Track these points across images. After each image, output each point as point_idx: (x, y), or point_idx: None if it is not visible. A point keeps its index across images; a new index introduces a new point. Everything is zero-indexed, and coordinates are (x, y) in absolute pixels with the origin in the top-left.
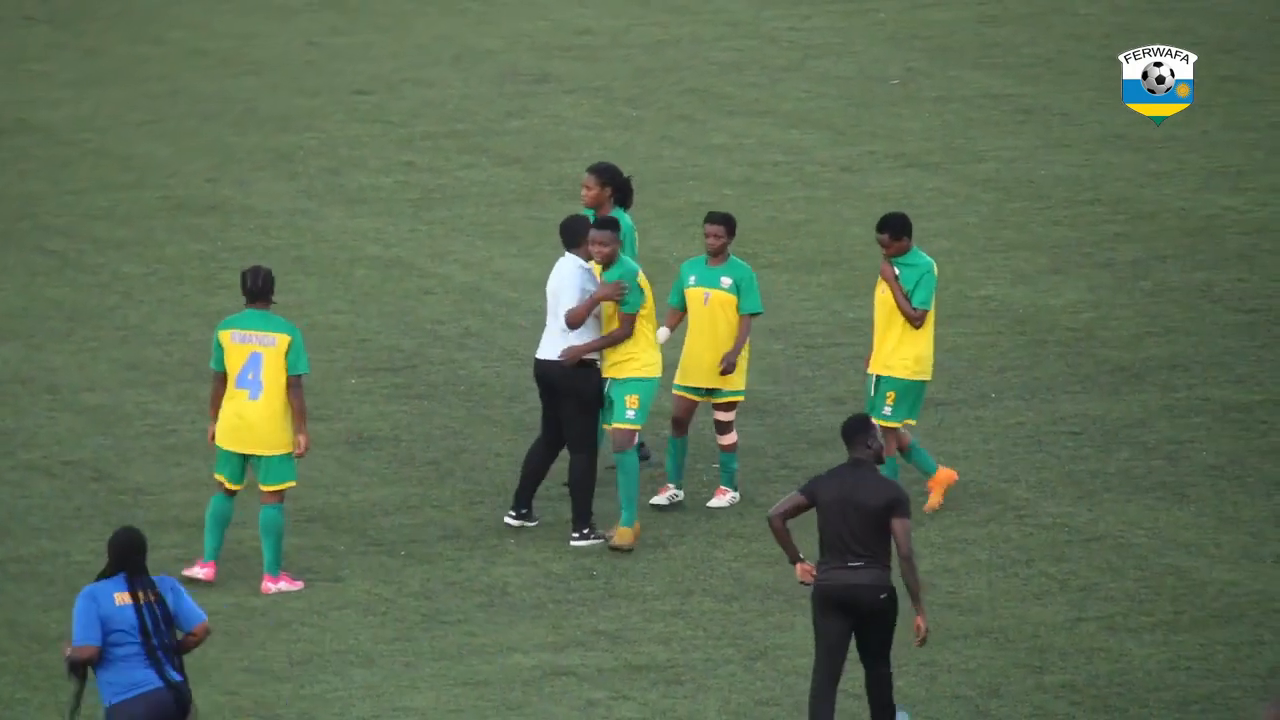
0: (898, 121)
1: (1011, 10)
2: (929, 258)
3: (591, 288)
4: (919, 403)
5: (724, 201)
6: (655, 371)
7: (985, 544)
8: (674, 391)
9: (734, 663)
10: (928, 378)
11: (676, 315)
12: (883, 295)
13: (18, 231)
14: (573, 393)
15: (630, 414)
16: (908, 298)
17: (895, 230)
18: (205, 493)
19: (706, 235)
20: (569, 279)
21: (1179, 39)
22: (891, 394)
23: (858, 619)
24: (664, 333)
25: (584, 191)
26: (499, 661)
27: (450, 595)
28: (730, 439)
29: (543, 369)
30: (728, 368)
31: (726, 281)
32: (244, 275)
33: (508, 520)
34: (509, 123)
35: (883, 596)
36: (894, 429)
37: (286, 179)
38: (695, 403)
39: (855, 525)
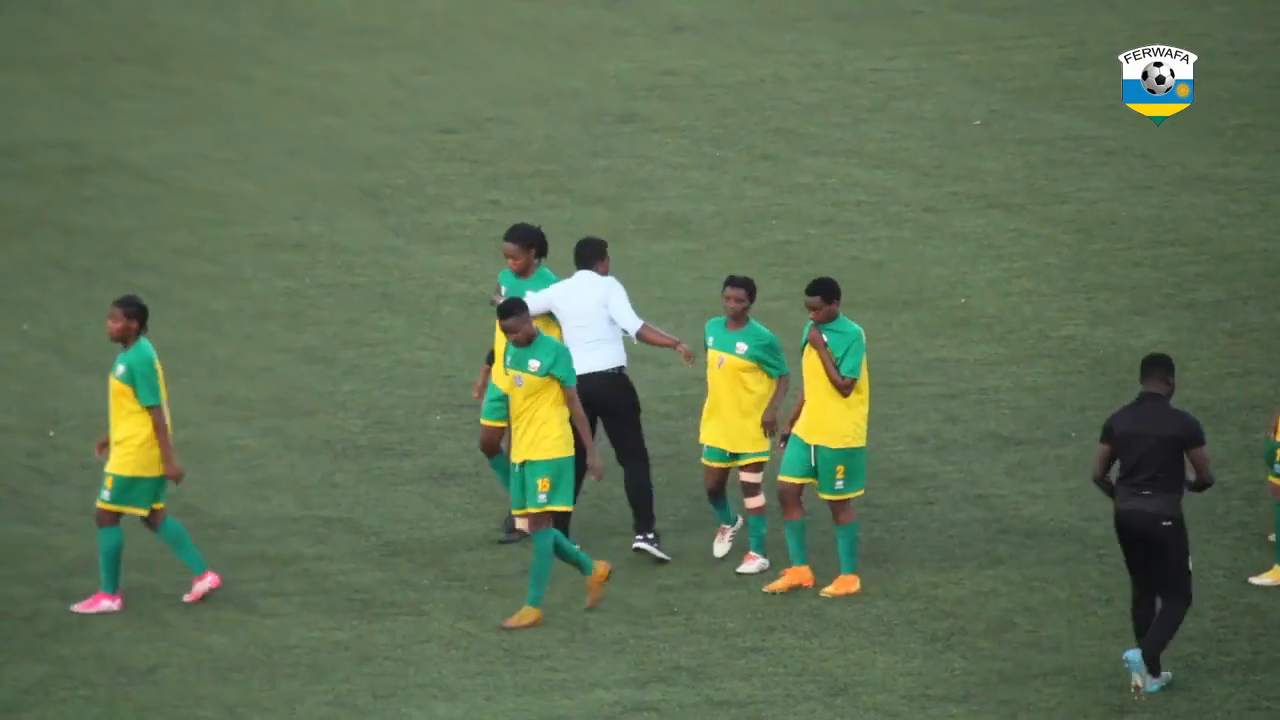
0: (980, 162)
1: (1092, 52)
2: (856, 325)
3: (618, 295)
4: (864, 466)
5: (808, 240)
6: (567, 450)
7: (1065, 582)
8: (702, 460)
9: (814, 699)
10: (862, 443)
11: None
12: (812, 362)
13: (107, 268)
14: (613, 404)
15: (542, 497)
16: (837, 366)
17: (827, 294)
18: (292, 527)
19: (726, 298)
20: (591, 291)
21: (1259, 87)
22: (841, 467)
23: (1144, 545)
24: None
25: (510, 262)
26: (580, 697)
27: (532, 631)
28: (756, 502)
29: (584, 384)
30: (766, 427)
31: (742, 347)
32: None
33: (638, 545)
34: (594, 162)
35: (1165, 524)
36: (847, 501)
37: (373, 216)
38: (722, 469)
39: (1146, 455)
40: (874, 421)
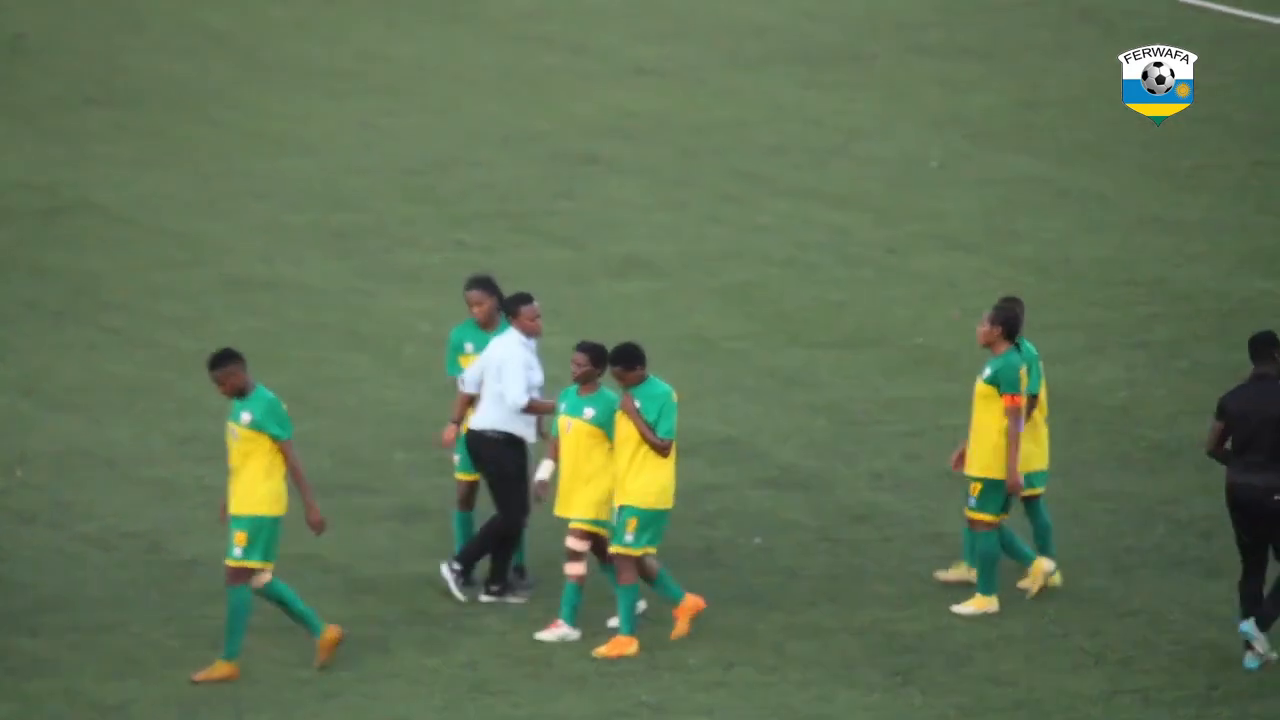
0: (939, 203)
1: (1049, 95)
2: (666, 385)
3: (532, 360)
4: (661, 530)
5: (770, 280)
6: (272, 508)
7: (1023, 618)
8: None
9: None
10: (670, 505)
11: (554, 444)
12: (624, 425)
13: (78, 308)
14: (491, 463)
15: (237, 551)
16: (652, 429)
17: (628, 362)
18: None
19: (573, 362)
20: (509, 351)
21: (1211, 131)
22: (634, 520)
23: (1253, 519)
24: (546, 466)
25: (475, 309)
26: None
27: (497, 666)
28: (577, 570)
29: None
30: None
31: (589, 413)
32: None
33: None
34: (558, 203)
35: (1276, 498)
36: (637, 557)
37: (340, 257)
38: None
39: (1258, 432)
40: (837, 458)
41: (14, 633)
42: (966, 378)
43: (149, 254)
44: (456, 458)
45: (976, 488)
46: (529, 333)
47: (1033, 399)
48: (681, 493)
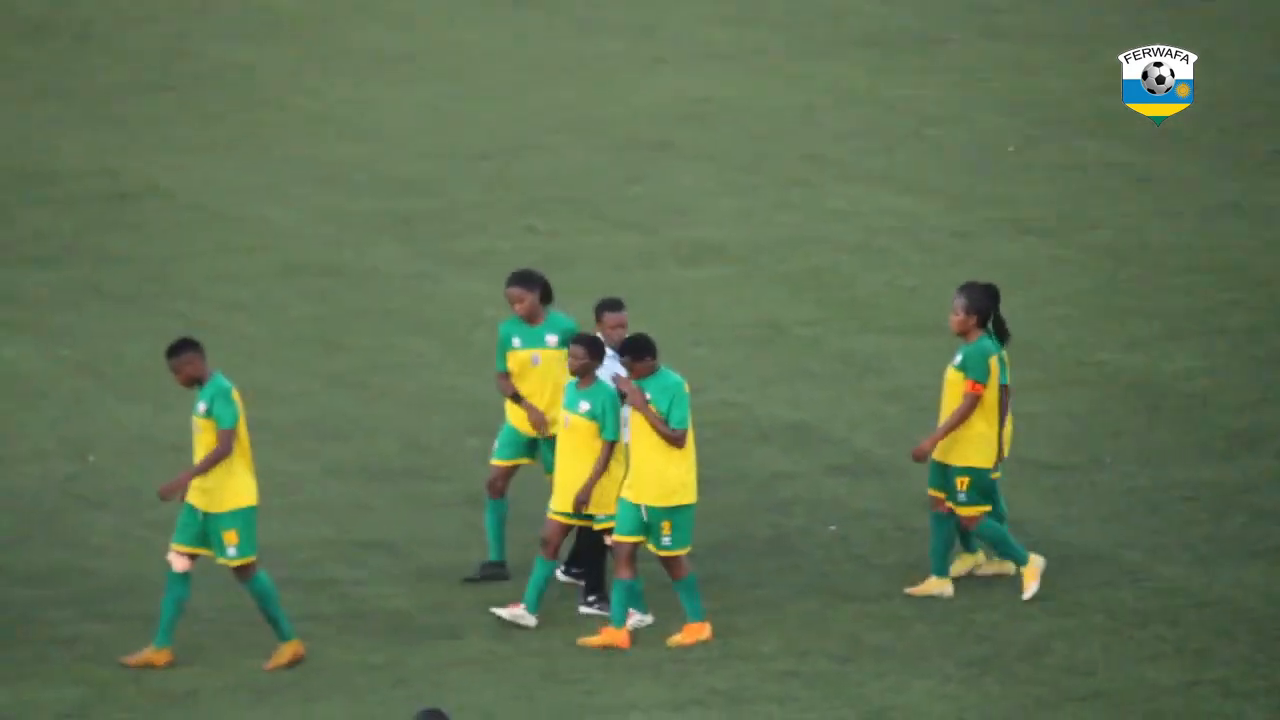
0: (1013, 189)
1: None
2: (678, 376)
3: (614, 368)
4: (692, 524)
5: (840, 266)
6: (248, 500)
7: (1100, 608)
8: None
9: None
10: (693, 499)
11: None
12: (638, 419)
13: (146, 295)
14: None
15: (231, 551)
16: (664, 420)
17: (637, 353)
18: (328, 551)
19: (570, 355)
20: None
21: None
22: (667, 524)
23: None
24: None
25: (516, 306)
26: (615, 719)
27: (569, 654)
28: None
29: None
30: (582, 499)
31: (585, 406)
32: None
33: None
34: (628, 189)
35: None
36: (678, 557)
37: (406, 242)
38: (563, 525)
39: None
40: (911, 445)
41: (84, 619)
42: (1043, 364)
43: (214, 239)
44: (496, 445)
45: (964, 481)
46: (607, 340)
47: (1005, 389)
48: (753, 480)
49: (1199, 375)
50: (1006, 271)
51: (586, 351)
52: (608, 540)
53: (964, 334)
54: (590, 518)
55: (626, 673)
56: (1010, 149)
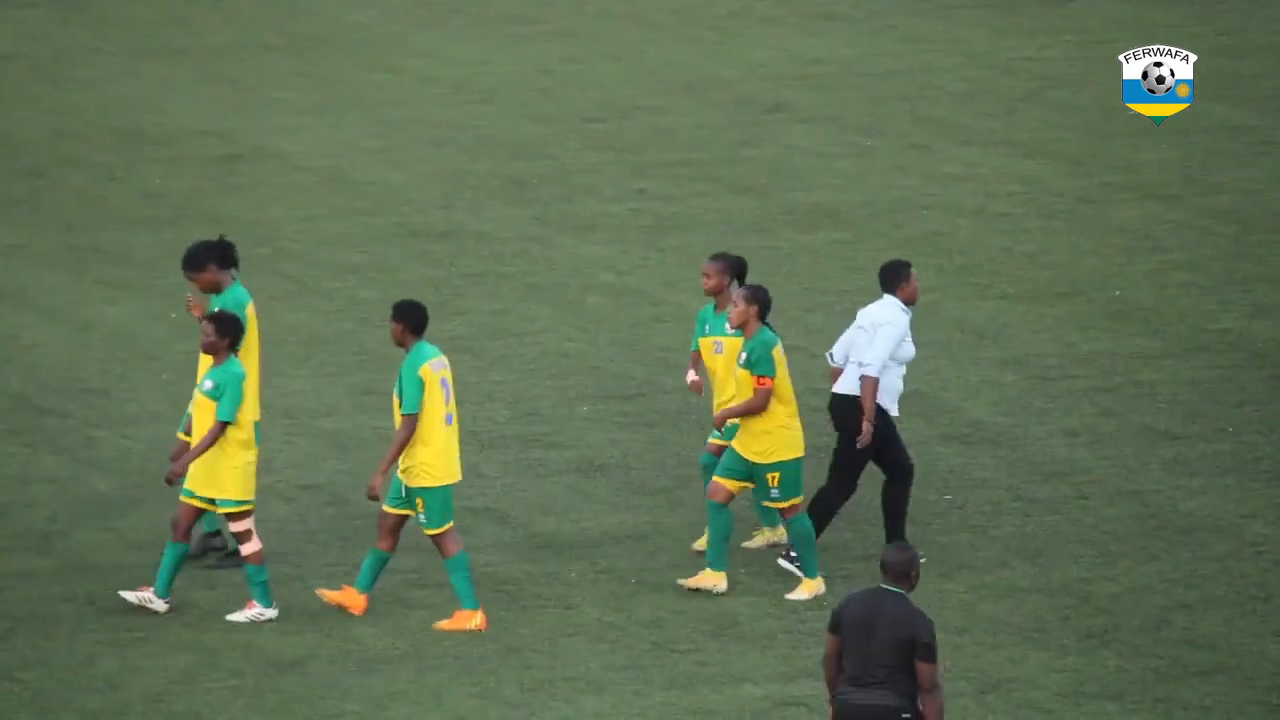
0: (1135, 153)
1: (1252, 42)
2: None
3: (885, 332)
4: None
5: (958, 230)
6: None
7: (1222, 579)
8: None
9: (966, 695)
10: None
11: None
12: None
13: (257, 257)
14: (846, 427)
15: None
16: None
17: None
18: None
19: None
20: (884, 317)
21: None
22: (774, 475)
23: None
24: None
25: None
26: (729, 691)
27: (680, 624)
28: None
29: (832, 403)
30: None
31: (209, 385)
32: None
33: (781, 563)
34: (742, 151)
35: None
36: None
37: (519, 205)
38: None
39: None
40: (1029, 414)
41: (193, 585)
42: (1165, 332)
43: (327, 202)
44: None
45: (775, 477)
46: (909, 301)
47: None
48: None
49: None
50: (1128, 237)
51: (215, 329)
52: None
53: (742, 326)
54: (211, 501)
55: (739, 644)
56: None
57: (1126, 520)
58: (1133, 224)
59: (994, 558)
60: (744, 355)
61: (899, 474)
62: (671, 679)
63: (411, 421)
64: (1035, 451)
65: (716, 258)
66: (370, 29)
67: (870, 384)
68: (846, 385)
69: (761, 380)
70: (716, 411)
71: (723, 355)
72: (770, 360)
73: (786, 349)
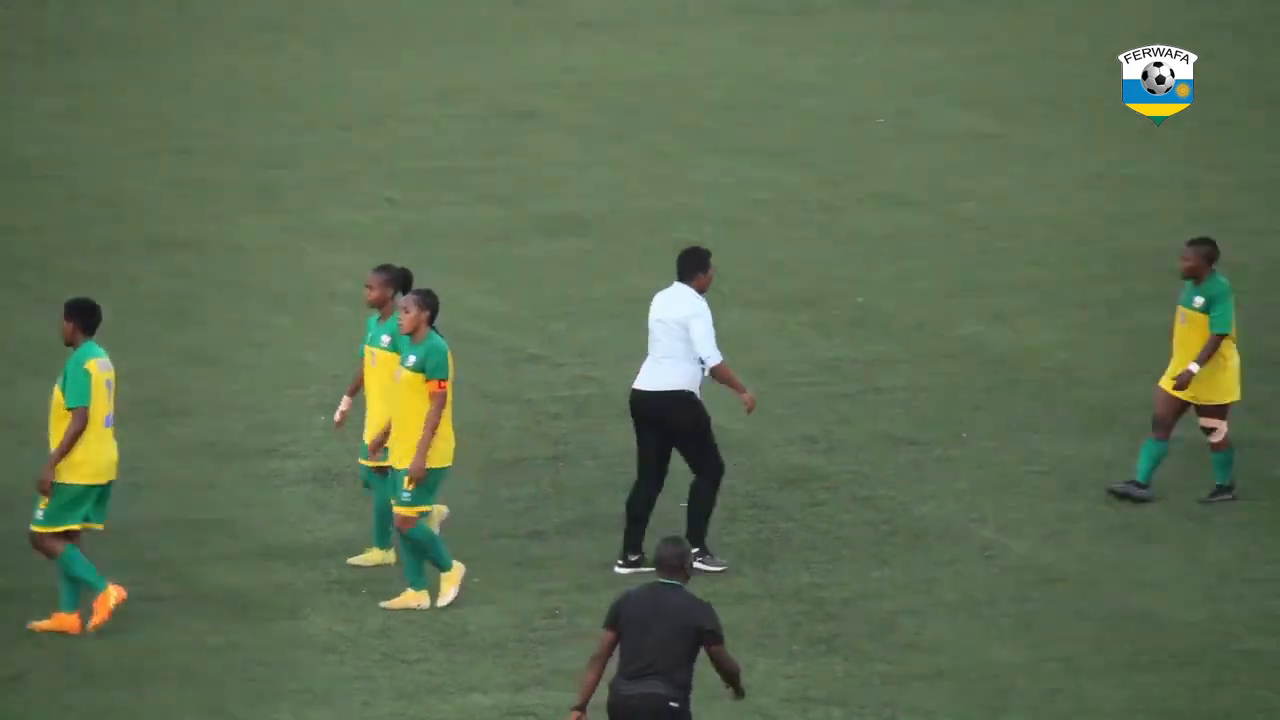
0: (883, 161)
1: (999, 51)
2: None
3: (702, 320)
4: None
5: (706, 239)
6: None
7: (952, 584)
8: None
9: (693, 702)
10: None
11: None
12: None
13: None
14: (683, 420)
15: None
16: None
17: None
18: (168, 530)
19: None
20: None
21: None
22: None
23: None
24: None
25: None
26: (457, 701)
27: (410, 634)
28: None
29: (640, 399)
30: None
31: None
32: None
33: (618, 569)
34: (493, 160)
35: None
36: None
37: (267, 214)
38: None
39: None
40: (768, 421)
41: (222, 572)
42: (903, 338)
43: (65, 211)
44: None
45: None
46: (701, 291)
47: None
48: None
49: (1061, 349)
50: (871, 244)
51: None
52: None
53: (413, 332)
54: None
55: (469, 653)
56: (880, 120)
57: (859, 526)
58: (877, 231)
59: (726, 565)
60: (413, 358)
61: (656, 480)
62: (400, 689)
63: (83, 414)
64: (772, 458)
65: (380, 269)
66: (115, 34)
67: (723, 368)
68: (660, 381)
69: (441, 384)
70: (371, 431)
71: (376, 368)
72: (445, 365)
73: (530, 357)
